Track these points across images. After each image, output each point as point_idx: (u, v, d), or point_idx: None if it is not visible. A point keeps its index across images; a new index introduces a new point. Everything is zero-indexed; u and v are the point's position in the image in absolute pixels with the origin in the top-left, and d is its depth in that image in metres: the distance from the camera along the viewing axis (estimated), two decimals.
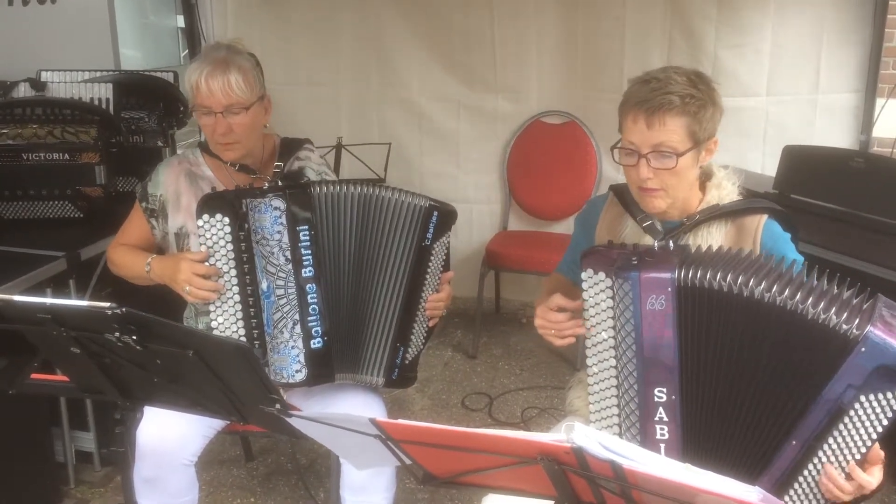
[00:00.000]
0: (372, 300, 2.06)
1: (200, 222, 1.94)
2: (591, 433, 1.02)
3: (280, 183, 2.03)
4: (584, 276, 1.61)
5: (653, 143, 1.65)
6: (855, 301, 1.45)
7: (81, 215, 2.90)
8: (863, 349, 1.38)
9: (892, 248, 2.75)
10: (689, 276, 1.52)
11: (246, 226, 1.95)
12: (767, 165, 3.61)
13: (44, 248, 2.65)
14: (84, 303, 1.46)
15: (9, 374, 1.67)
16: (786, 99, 3.67)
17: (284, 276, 1.97)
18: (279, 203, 1.95)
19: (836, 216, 2.98)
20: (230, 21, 4.30)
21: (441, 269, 2.10)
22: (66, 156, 2.85)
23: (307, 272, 1.98)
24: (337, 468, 2.16)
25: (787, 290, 1.45)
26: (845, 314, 1.41)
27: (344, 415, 1.24)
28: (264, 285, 1.97)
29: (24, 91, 3.15)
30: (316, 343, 2.00)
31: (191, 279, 1.95)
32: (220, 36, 4.30)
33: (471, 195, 4.26)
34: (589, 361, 1.65)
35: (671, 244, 1.66)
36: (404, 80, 4.18)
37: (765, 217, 1.73)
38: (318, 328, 2.00)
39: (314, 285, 1.99)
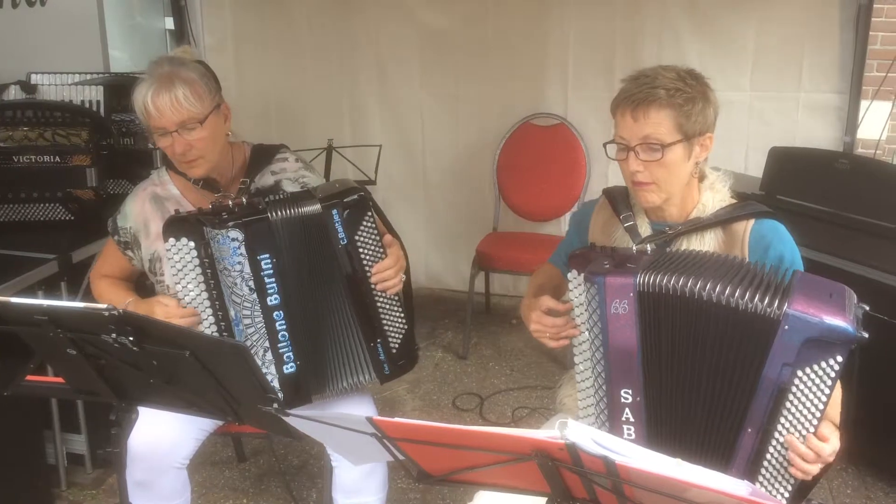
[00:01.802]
0: (329, 314, 2.01)
1: (167, 246, 1.91)
2: (585, 430, 1.04)
3: (245, 200, 1.97)
4: (569, 276, 1.65)
5: (640, 135, 1.68)
6: (775, 283, 1.50)
7: (72, 218, 2.89)
8: (786, 327, 1.44)
9: (877, 248, 2.79)
10: (650, 280, 1.55)
11: (210, 251, 1.92)
12: (751, 163, 3.65)
13: (35, 251, 2.64)
14: (81, 304, 1.47)
15: (3, 376, 1.67)
16: (769, 95, 3.71)
17: (250, 305, 1.93)
18: (237, 234, 1.88)
19: (821, 217, 3.02)
20: (228, 21, 4.31)
21: (377, 252, 2.01)
22: (57, 158, 2.84)
23: (273, 300, 1.94)
24: (329, 470, 2.15)
25: (719, 286, 1.50)
26: (767, 298, 1.46)
27: (341, 413, 1.25)
28: (232, 313, 1.95)
29: (14, 94, 3.13)
30: (289, 368, 1.97)
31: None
32: (217, 35, 4.32)
33: (464, 195, 4.30)
34: (576, 360, 1.68)
35: (649, 248, 1.68)
36: (402, 80, 4.21)
37: (751, 222, 1.75)
38: (290, 353, 1.97)
39: (281, 312, 1.95)
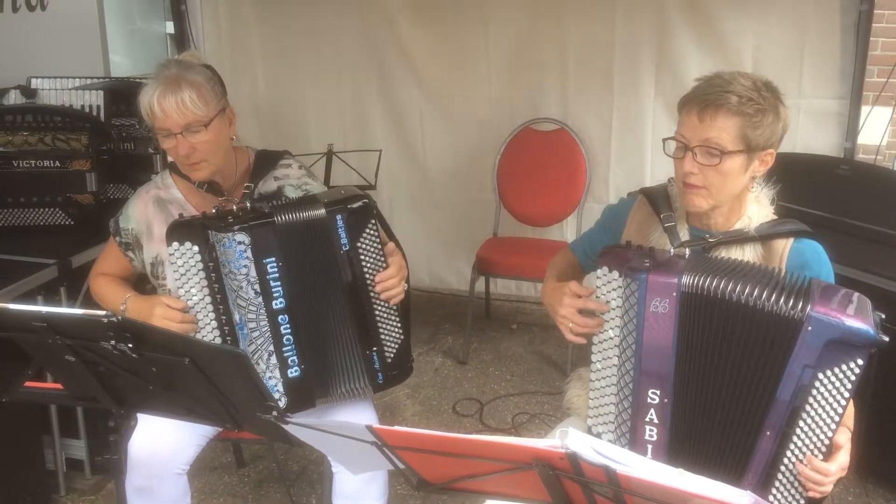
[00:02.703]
0: (329, 320, 2.02)
1: (171, 250, 1.92)
2: (586, 439, 1.04)
3: (249, 205, 1.97)
4: (599, 272, 1.64)
5: (702, 137, 1.64)
6: (797, 287, 1.52)
7: (72, 222, 2.89)
8: (809, 328, 1.45)
9: (878, 254, 2.79)
10: (695, 283, 1.54)
11: (215, 255, 1.92)
12: None
13: (35, 256, 2.64)
14: (79, 311, 1.46)
15: (2, 382, 1.67)
16: None
17: (255, 308, 1.93)
18: (243, 237, 1.90)
19: (822, 223, 3.01)
20: (223, 24, 4.31)
21: (378, 260, 2.01)
22: (57, 163, 2.85)
23: (278, 304, 1.94)
24: (329, 476, 2.15)
25: (748, 288, 1.51)
26: (791, 300, 1.48)
27: (340, 422, 1.25)
28: (236, 317, 1.95)
29: (14, 98, 3.13)
30: (293, 372, 1.98)
31: (166, 325, 1.91)
32: (217, 40, 4.32)
33: (464, 200, 4.30)
34: (593, 358, 1.67)
35: (687, 252, 1.66)
36: (402, 84, 4.21)
37: (792, 239, 1.73)
38: (295, 357, 1.97)
39: (286, 316, 1.95)
